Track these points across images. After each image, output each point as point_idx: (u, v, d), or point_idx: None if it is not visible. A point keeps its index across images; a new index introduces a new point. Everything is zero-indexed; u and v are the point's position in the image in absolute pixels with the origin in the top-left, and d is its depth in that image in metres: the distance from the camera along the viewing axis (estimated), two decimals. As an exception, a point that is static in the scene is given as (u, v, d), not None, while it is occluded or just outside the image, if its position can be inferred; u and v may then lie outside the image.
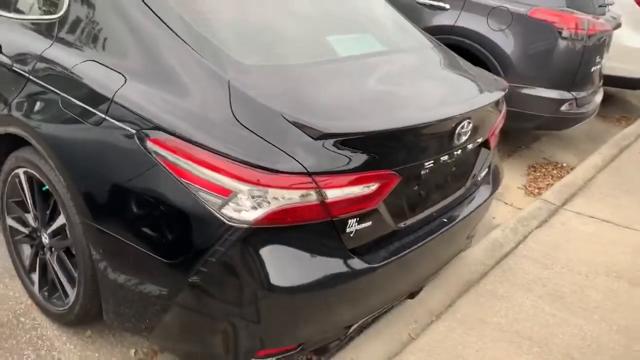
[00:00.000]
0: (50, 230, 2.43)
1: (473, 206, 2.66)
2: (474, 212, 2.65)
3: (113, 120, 1.96)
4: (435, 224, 2.44)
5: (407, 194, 2.21)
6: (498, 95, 2.54)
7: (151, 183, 1.89)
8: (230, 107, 1.87)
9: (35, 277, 2.63)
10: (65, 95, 2.12)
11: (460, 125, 2.21)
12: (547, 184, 4.77)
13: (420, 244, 2.27)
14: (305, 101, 1.98)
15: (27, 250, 2.69)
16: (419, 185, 2.26)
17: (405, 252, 2.19)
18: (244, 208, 1.79)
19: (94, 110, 2.02)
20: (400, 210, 2.20)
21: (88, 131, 2.03)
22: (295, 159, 1.78)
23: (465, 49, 4.77)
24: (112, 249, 2.07)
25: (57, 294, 2.54)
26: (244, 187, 1.77)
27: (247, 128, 1.82)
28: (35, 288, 2.63)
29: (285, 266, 1.86)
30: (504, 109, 2.78)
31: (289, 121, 1.83)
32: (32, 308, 2.66)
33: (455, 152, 2.31)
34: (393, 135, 2.00)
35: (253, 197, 1.78)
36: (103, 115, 1.99)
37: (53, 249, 2.49)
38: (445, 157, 2.25)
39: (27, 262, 2.68)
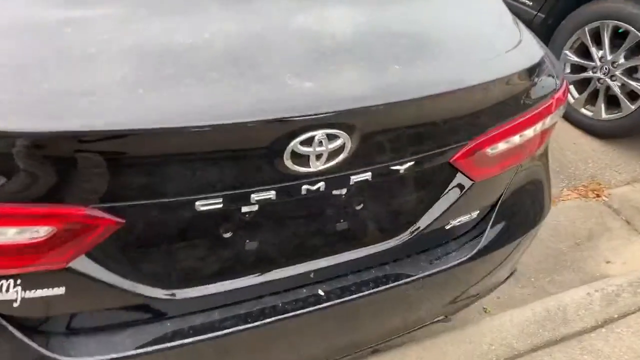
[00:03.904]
0: None
1: (415, 274, 1.47)
2: (414, 285, 1.47)
3: None
4: (300, 297, 1.37)
5: (198, 244, 1.21)
6: (466, 81, 1.23)
7: None
8: None
9: None
10: None
11: (300, 139, 1.07)
12: None
13: (228, 330, 1.26)
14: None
15: None
16: (238, 232, 1.22)
17: (161, 346, 1.21)
18: None
19: None
20: (174, 270, 1.21)
21: None
22: None
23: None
24: None
25: None
26: None
27: None
28: None
29: None
30: (546, 101, 1.44)
31: None
32: None
33: (310, 187, 1.18)
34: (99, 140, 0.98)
35: None
36: None
37: None
38: (269, 195, 1.14)
39: None
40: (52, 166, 0.97)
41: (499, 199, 1.59)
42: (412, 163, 1.27)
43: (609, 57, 3.31)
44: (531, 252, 2.65)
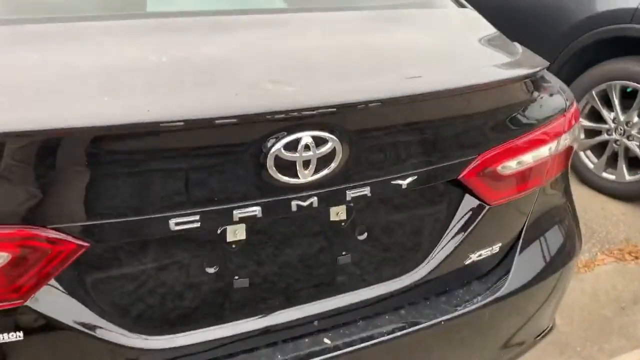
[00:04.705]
0: None
1: (432, 319, 1.28)
2: (433, 330, 1.28)
3: None
4: (302, 348, 1.18)
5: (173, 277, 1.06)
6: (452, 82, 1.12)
7: None
8: None
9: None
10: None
11: (283, 142, 0.97)
12: None
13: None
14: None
15: None
16: (224, 265, 1.08)
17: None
18: None
19: None
20: (151, 313, 1.06)
21: None
22: None
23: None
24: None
25: None
26: None
27: None
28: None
29: None
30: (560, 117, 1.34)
31: None
32: None
33: (301, 202, 1.05)
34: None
35: None
36: None
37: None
38: (254, 211, 1.01)
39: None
40: (5, 175, 0.87)
41: (522, 231, 1.43)
42: (415, 178, 1.15)
43: (622, 118, 3.22)
44: (573, 319, 2.40)
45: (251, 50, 1.14)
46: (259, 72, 1.06)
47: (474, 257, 1.34)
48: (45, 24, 1.16)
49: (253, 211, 1.02)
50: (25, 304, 0.94)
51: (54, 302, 0.96)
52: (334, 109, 0.98)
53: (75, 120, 0.85)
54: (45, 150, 0.88)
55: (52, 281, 0.94)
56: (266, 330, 1.15)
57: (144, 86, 0.97)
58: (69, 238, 0.92)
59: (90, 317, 0.99)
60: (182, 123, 0.89)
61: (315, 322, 1.21)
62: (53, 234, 0.91)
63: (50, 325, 0.97)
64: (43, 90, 0.93)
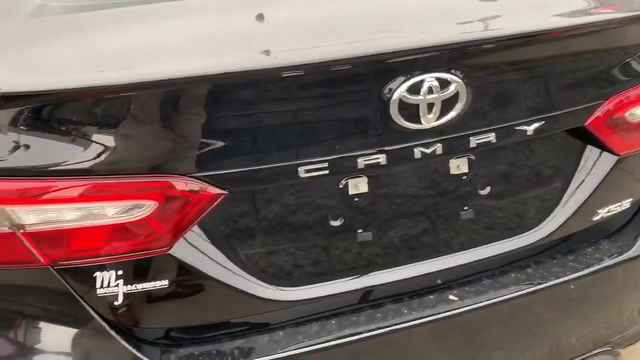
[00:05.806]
0: None
1: (563, 276, 1.23)
2: (568, 288, 1.23)
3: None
4: (427, 304, 1.17)
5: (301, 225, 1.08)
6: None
7: None
8: None
9: None
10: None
11: (407, 85, 0.97)
12: None
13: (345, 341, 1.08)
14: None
15: None
16: (348, 218, 1.10)
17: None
18: None
19: None
20: (280, 263, 1.08)
21: None
22: None
23: None
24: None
25: None
26: None
27: None
28: None
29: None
30: None
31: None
32: None
33: (425, 149, 1.04)
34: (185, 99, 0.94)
35: None
36: None
37: None
38: (378, 159, 1.02)
39: None
40: (150, 127, 0.93)
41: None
42: (540, 124, 1.11)
43: None
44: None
45: (360, 8, 1.16)
46: (375, 24, 1.08)
47: (602, 213, 1.28)
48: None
49: (377, 158, 1.02)
50: (169, 252, 0.99)
51: (194, 250, 1.01)
52: (457, 48, 0.98)
53: (209, 68, 0.90)
54: (186, 102, 0.93)
55: (194, 228, 0.99)
56: (390, 286, 1.15)
57: (268, 40, 1.02)
58: (208, 186, 0.97)
59: (228, 266, 1.04)
60: (303, 68, 0.92)
61: (439, 280, 1.20)
62: (194, 182, 0.96)
63: (190, 274, 1.02)
64: (171, 48, 1.00)
